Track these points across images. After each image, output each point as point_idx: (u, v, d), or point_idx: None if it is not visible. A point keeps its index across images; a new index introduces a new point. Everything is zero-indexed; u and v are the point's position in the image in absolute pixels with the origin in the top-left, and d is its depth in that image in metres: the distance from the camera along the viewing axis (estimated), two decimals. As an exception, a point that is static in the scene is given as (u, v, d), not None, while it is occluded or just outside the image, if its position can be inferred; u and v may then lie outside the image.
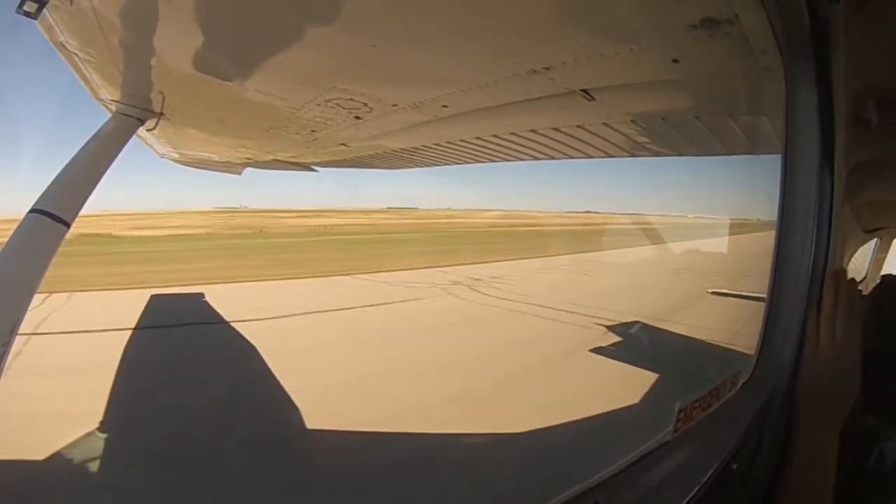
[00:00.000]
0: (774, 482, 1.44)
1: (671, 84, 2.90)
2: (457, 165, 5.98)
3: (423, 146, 5.11)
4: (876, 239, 6.47)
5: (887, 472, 2.42)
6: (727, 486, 1.42)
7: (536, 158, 5.39)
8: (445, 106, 3.71)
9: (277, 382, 7.17)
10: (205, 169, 6.51)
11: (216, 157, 5.79)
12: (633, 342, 10.23)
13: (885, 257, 6.67)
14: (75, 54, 3.28)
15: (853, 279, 1.50)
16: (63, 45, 3.18)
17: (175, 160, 5.84)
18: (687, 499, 1.12)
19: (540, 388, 8.47)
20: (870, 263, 6.77)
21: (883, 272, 6.07)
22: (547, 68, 2.91)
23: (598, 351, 9.76)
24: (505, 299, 14.42)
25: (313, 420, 6.26)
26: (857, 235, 5.79)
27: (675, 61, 2.52)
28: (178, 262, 17.46)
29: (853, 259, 6.14)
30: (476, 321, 12.38)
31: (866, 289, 6.05)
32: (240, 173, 6.24)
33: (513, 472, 5.60)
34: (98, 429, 5.90)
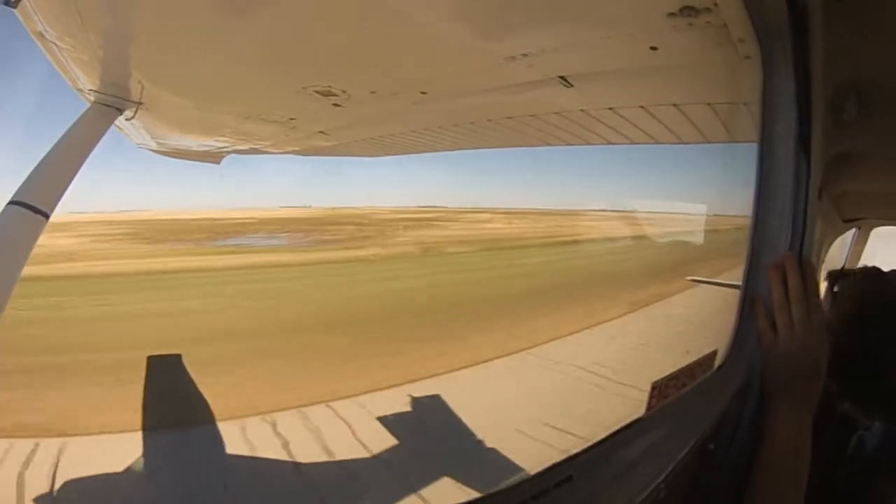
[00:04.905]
0: (752, 465, 1.46)
1: (649, 71, 2.91)
2: (435, 153, 6.02)
3: (402, 133, 5.13)
4: (855, 229, 6.56)
5: (867, 457, 2.49)
6: (705, 467, 1.44)
7: (513, 146, 5.44)
8: (424, 92, 3.71)
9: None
10: (184, 159, 6.47)
11: (194, 147, 5.77)
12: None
13: (863, 247, 6.76)
14: (54, 44, 3.25)
15: (808, 265, 1.51)
16: (41, 35, 3.15)
17: (153, 150, 5.80)
18: (663, 475, 1.12)
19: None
20: (849, 252, 6.87)
21: (861, 263, 6.15)
22: (525, 54, 2.92)
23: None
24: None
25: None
26: (836, 224, 5.88)
27: (654, 49, 2.53)
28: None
29: (832, 247, 6.25)
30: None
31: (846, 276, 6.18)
32: (218, 162, 6.20)
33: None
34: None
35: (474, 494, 0.85)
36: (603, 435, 1.15)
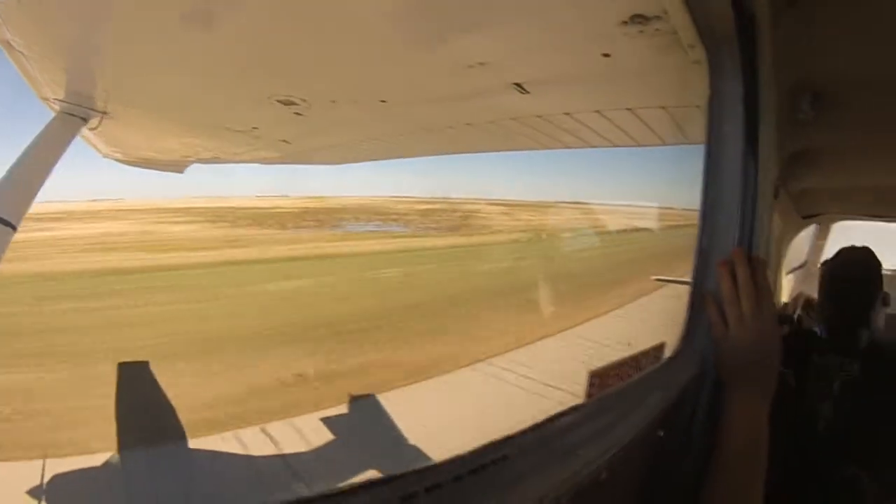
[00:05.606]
0: (710, 454, 1.48)
1: (603, 77, 2.96)
2: (397, 160, 6.08)
3: (363, 140, 5.14)
4: (815, 224, 6.68)
5: (832, 444, 2.62)
6: (654, 453, 1.45)
7: (472, 151, 5.50)
8: (384, 101, 3.73)
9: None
10: (149, 168, 6.44)
11: (158, 156, 5.74)
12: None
13: (824, 242, 6.89)
14: (21, 53, 3.23)
15: (755, 259, 1.55)
16: (9, 44, 3.13)
17: (119, 160, 5.77)
18: (605, 458, 1.13)
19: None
20: (810, 247, 7.01)
21: (823, 257, 6.27)
22: (482, 63, 2.95)
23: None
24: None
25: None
26: (795, 220, 5.98)
27: (606, 55, 2.59)
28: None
29: (793, 242, 6.38)
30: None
31: (807, 269, 6.37)
32: (182, 172, 6.18)
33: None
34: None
35: (411, 468, 0.87)
36: (539, 419, 1.16)
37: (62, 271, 10.76)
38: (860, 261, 2.96)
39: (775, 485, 1.54)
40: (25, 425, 6.85)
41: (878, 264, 2.94)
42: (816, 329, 3.06)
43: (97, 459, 5.82)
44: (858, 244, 3.01)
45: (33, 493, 5.11)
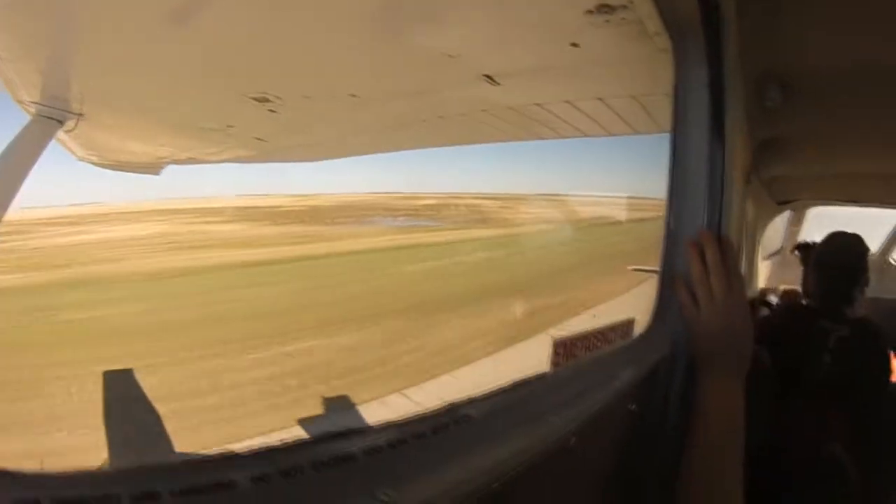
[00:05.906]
0: (686, 433, 1.48)
1: (572, 67, 2.99)
2: (372, 155, 6.12)
3: (338, 137, 5.14)
4: (790, 211, 6.78)
5: (815, 423, 2.71)
6: (625, 425, 1.46)
7: (445, 145, 5.53)
8: (354, 96, 3.73)
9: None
10: (125, 170, 6.40)
11: (134, 158, 5.70)
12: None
13: (799, 228, 7.00)
14: (-4, 54, 3.21)
15: (724, 240, 1.56)
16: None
17: (95, 163, 5.72)
18: (573, 426, 1.13)
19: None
20: (785, 233, 7.13)
21: (799, 240, 6.35)
22: (451, 56, 2.97)
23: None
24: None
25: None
26: (770, 207, 6.05)
27: (575, 45, 2.61)
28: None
29: (768, 229, 6.48)
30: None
31: (783, 255, 6.54)
32: (158, 173, 6.14)
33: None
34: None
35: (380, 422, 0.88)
36: (505, 383, 1.16)
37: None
38: (849, 248, 3.23)
39: (756, 465, 1.56)
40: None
41: (866, 251, 3.28)
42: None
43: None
44: (842, 231, 3.23)
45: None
